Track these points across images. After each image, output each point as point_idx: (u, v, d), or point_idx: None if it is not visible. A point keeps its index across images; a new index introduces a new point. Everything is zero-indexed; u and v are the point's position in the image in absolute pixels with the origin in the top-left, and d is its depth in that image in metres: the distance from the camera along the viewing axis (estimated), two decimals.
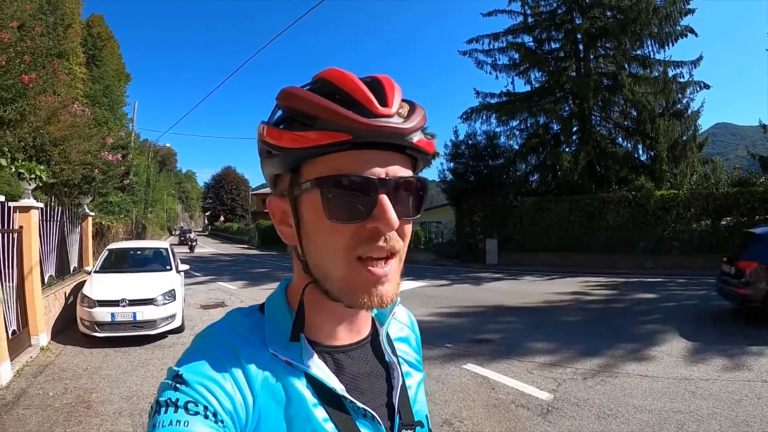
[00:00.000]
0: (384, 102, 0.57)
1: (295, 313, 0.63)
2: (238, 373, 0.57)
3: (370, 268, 0.58)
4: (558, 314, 8.59)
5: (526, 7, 20.49)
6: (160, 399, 0.53)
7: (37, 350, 6.10)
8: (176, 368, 0.56)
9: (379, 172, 0.57)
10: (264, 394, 0.57)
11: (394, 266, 0.60)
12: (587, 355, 5.83)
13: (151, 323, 6.72)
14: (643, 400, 4.33)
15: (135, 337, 6.66)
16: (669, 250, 16.12)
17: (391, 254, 0.59)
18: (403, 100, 0.61)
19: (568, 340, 6.55)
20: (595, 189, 18.66)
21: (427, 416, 0.74)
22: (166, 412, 0.51)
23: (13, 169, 6.03)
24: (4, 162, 4.88)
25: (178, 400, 0.52)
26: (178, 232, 49.31)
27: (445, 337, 6.76)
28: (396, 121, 0.56)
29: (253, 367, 0.58)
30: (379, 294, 0.59)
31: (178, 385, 0.54)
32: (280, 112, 0.60)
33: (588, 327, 7.45)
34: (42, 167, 6.49)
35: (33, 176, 6.20)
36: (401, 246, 0.61)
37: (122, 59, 28.35)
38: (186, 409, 0.51)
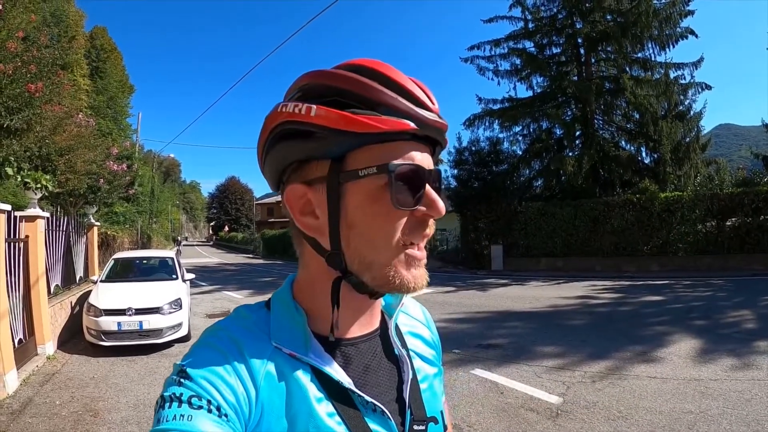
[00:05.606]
0: (429, 99, 0.59)
1: (333, 309, 0.61)
2: (241, 366, 0.57)
3: (413, 252, 0.59)
4: (565, 318, 8.54)
5: (527, 13, 20.52)
6: (165, 394, 0.54)
7: (44, 359, 6.10)
8: (181, 363, 0.57)
9: (427, 163, 0.59)
10: (267, 386, 0.57)
11: (425, 252, 0.62)
12: (595, 358, 5.79)
13: (157, 332, 6.72)
14: (653, 402, 4.29)
15: (141, 345, 6.66)
16: (674, 252, 16.05)
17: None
18: None
19: (576, 344, 6.51)
20: (600, 193, 18.60)
21: (442, 412, 0.72)
22: (170, 406, 0.52)
23: (19, 179, 6.08)
24: (10, 171, 4.91)
25: (182, 394, 0.53)
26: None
27: (452, 343, 6.72)
28: (441, 119, 0.59)
29: (256, 360, 0.58)
30: (420, 276, 0.60)
31: (182, 380, 0.54)
32: (314, 93, 0.58)
33: (595, 330, 7.40)
34: (48, 177, 6.53)
35: (39, 186, 6.24)
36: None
37: (125, 71, 28.56)
38: (189, 403, 0.52)
